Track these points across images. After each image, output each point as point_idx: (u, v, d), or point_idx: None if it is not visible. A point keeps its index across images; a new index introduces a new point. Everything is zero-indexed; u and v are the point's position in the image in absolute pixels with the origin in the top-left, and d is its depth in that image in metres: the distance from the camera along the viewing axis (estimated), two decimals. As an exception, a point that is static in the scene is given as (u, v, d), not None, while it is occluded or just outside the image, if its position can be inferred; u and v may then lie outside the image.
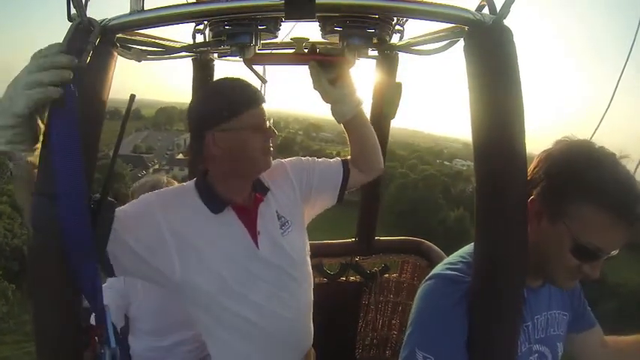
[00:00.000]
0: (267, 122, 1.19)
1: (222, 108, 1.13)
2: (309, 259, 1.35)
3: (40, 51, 0.79)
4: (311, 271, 1.35)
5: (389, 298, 2.26)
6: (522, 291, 0.88)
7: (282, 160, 1.41)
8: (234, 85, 1.17)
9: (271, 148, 1.20)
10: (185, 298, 1.18)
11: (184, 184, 1.27)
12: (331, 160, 1.48)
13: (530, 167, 0.94)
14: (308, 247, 1.36)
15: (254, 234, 1.20)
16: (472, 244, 1.04)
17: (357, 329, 2.28)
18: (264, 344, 1.21)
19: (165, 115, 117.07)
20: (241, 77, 1.19)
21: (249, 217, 1.21)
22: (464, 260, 0.99)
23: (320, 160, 1.46)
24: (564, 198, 0.85)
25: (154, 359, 1.53)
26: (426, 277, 1.00)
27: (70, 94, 0.77)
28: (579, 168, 0.85)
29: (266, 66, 1.38)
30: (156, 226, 1.09)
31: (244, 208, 1.21)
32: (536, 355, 1.01)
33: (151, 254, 1.07)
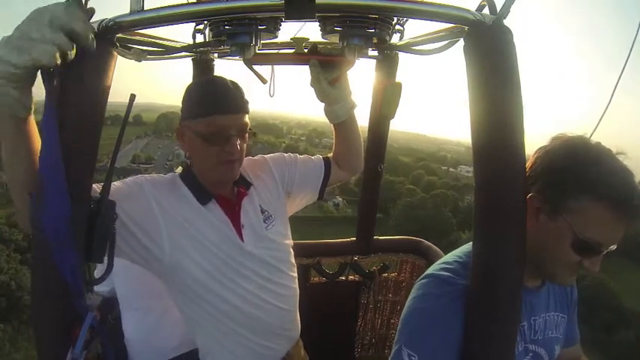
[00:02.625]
0: (234, 132, 1.15)
1: (189, 104, 1.17)
2: (292, 251, 1.38)
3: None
4: (295, 262, 1.38)
5: (388, 297, 2.27)
6: (520, 293, 0.88)
7: (265, 156, 1.46)
8: (212, 86, 1.16)
9: (231, 159, 1.16)
10: (174, 284, 1.19)
11: (173, 174, 1.29)
12: (313, 157, 1.53)
13: (528, 164, 0.94)
14: (291, 241, 1.39)
15: (238, 228, 1.23)
16: (470, 243, 1.05)
17: (356, 328, 2.28)
18: (255, 332, 1.23)
19: (166, 121, 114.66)
20: (235, 80, 1.20)
21: (233, 211, 1.24)
22: (460, 260, 1.00)
23: (302, 157, 1.51)
24: (564, 193, 0.86)
25: (145, 339, 1.50)
26: (421, 276, 1.01)
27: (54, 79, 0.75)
28: (578, 163, 0.86)
29: (274, 68, 1.38)
30: (147, 203, 1.12)
31: (228, 202, 1.25)
32: (531, 354, 1.02)
33: (142, 230, 1.09)
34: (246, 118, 1.20)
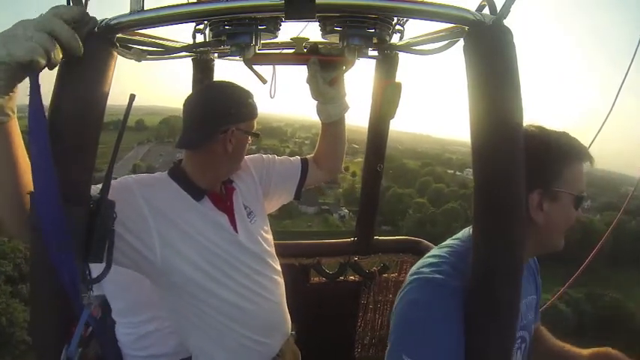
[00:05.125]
0: None
1: (246, 108, 1.24)
2: (273, 246, 1.41)
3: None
4: (277, 258, 1.41)
5: (388, 297, 2.27)
6: (520, 292, 0.88)
7: (245, 157, 1.46)
8: (247, 92, 1.27)
9: None
10: (167, 287, 1.19)
11: (160, 172, 1.30)
12: (292, 158, 1.58)
13: None
14: (271, 236, 1.43)
15: (233, 221, 1.27)
16: (447, 242, 1.09)
17: (356, 328, 2.28)
18: (250, 328, 1.24)
19: (168, 126, 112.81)
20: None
21: (225, 206, 1.28)
22: (447, 260, 1.00)
23: (280, 157, 1.56)
24: (555, 172, 0.97)
25: (138, 350, 1.48)
26: (410, 279, 1.01)
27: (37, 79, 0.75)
28: (550, 144, 0.98)
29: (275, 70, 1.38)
30: (136, 205, 1.11)
31: (220, 198, 1.28)
32: (519, 340, 1.07)
33: (131, 233, 1.08)
34: None
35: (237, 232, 1.25)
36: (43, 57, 0.73)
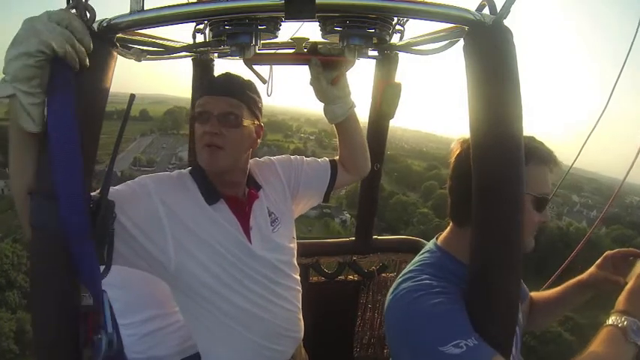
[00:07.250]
0: (215, 112, 1.13)
1: (197, 94, 1.20)
2: (296, 254, 1.38)
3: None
4: (297, 266, 1.39)
5: (387, 297, 2.26)
6: (520, 290, 0.89)
7: (272, 158, 1.45)
8: (219, 74, 1.22)
9: (210, 143, 1.13)
10: (180, 288, 1.18)
11: (181, 170, 1.27)
12: (319, 160, 1.52)
13: (458, 171, 1.04)
14: (295, 244, 1.39)
15: (246, 229, 1.22)
16: (415, 259, 1.11)
17: (355, 328, 2.29)
18: (261, 334, 1.23)
19: (172, 117, 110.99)
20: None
21: (242, 213, 1.23)
22: (424, 271, 1.03)
23: (309, 159, 1.51)
24: None
25: (141, 350, 1.48)
26: (392, 297, 1.03)
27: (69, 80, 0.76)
28: None
29: (272, 68, 1.38)
30: (151, 205, 1.09)
31: (239, 203, 1.24)
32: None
33: (145, 234, 1.06)
34: (238, 106, 1.16)
35: (249, 239, 1.21)
36: (75, 46, 0.74)
